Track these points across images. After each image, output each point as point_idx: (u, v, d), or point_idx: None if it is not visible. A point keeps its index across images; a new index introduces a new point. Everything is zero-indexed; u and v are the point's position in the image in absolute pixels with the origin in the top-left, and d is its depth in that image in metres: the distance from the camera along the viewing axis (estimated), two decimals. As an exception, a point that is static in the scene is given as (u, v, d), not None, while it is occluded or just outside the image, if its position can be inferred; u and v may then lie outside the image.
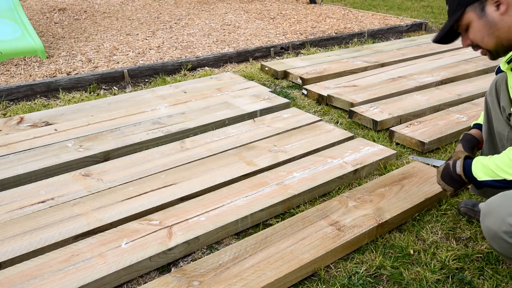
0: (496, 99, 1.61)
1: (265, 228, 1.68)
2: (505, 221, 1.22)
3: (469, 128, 1.76)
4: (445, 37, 1.45)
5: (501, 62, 1.52)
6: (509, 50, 1.36)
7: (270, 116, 2.64)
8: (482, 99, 1.72)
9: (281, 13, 5.95)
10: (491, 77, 2.08)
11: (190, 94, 2.99)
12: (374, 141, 2.42)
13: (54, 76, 3.40)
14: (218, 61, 3.85)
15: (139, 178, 1.96)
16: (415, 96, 2.91)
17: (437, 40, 1.47)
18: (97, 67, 3.62)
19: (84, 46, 4.21)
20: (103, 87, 3.30)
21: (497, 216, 1.24)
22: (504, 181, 1.34)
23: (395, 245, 1.64)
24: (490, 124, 1.62)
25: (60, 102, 3.02)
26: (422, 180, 1.94)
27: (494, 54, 1.39)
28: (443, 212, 1.82)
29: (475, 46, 1.41)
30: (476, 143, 1.68)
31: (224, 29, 4.99)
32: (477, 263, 1.55)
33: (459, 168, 1.46)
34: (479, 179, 1.40)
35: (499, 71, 1.57)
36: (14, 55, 3.74)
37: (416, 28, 5.26)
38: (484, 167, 1.39)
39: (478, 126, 1.73)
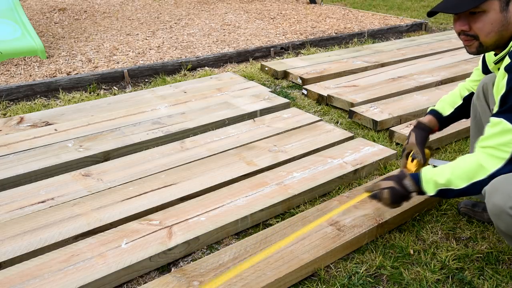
0: (485, 103, 1.62)
1: (265, 228, 1.68)
2: (511, 196, 1.23)
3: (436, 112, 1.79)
4: (467, 7, 1.29)
5: (487, 58, 1.54)
6: (495, 49, 1.36)
7: (270, 116, 2.64)
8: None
9: (281, 13, 5.95)
10: (491, 77, 2.08)
11: (190, 94, 2.99)
12: (374, 141, 2.42)
13: (54, 76, 3.40)
14: (218, 61, 3.85)
15: (139, 178, 1.96)
16: (415, 96, 2.91)
17: (453, 9, 1.32)
18: (97, 67, 3.62)
19: (84, 46, 4.20)
20: (103, 87, 3.30)
21: (503, 192, 1.25)
22: (448, 191, 1.39)
23: (395, 245, 1.64)
24: (479, 127, 1.64)
25: (60, 102, 3.02)
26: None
27: (483, 49, 1.36)
28: (443, 212, 1.82)
29: (467, 35, 1.34)
30: (429, 131, 1.74)
31: (224, 29, 4.99)
32: (477, 263, 1.55)
33: (412, 188, 1.48)
34: (428, 193, 1.45)
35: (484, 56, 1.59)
36: (14, 55, 3.74)
37: (416, 28, 5.26)
38: (430, 180, 1.44)
39: (433, 112, 1.78)
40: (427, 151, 1.70)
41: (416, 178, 1.48)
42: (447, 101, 1.79)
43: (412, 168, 1.66)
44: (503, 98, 1.27)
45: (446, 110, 1.77)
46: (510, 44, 1.31)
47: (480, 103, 1.64)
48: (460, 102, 1.76)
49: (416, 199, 1.79)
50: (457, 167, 1.39)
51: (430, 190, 1.44)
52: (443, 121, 1.77)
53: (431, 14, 1.42)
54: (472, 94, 1.73)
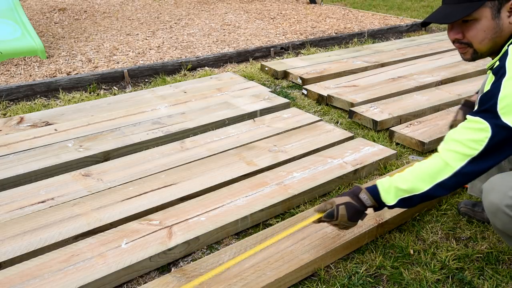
0: None
1: (265, 228, 1.68)
2: (507, 195, 1.24)
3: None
4: (458, 17, 1.30)
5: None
6: (490, 55, 1.35)
7: (270, 116, 2.64)
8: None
9: (281, 13, 5.95)
10: (491, 77, 2.08)
11: (190, 94, 2.99)
12: (374, 141, 2.42)
13: (54, 76, 3.40)
14: (218, 61, 3.85)
15: (139, 178, 1.96)
16: (415, 96, 2.91)
17: (444, 20, 1.33)
18: (97, 67, 3.62)
19: (84, 46, 4.21)
20: (103, 87, 3.30)
21: (499, 191, 1.26)
22: (411, 198, 1.33)
23: (395, 245, 1.64)
24: None
25: (60, 102, 3.02)
26: None
27: (478, 56, 1.35)
28: (443, 212, 1.82)
29: (461, 43, 1.34)
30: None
31: (224, 29, 4.99)
32: (477, 263, 1.55)
33: (369, 201, 1.41)
34: (388, 204, 1.39)
35: None
36: (14, 55, 3.74)
37: (416, 28, 5.26)
38: (389, 189, 1.38)
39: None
40: None
41: (372, 190, 1.41)
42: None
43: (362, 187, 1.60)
44: (482, 99, 1.26)
45: None
46: (503, 49, 1.30)
47: None
48: None
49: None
50: (417, 169, 1.34)
51: (390, 199, 1.37)
52: None
53: (424, 24, 1.42)
54: None
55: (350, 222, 1.44)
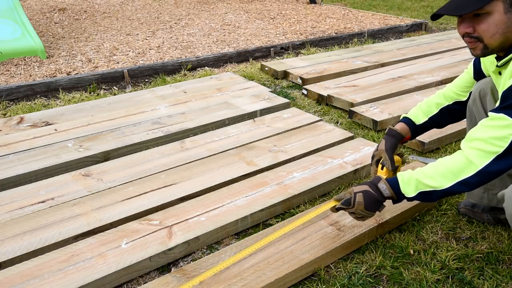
0: (482, 109, 1.60)
1: (265, 228, 1.68)
2: None
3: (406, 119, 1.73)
4: (471, 9, 1.27)
5: (483, 63, 1.50)
6: (500, 51, 1.33)
7: (270, 116, 2.64)
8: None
9: (281, 13, 5.95)
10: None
11: (190, 94, 2.99)
12: (374, 141, 2.42)
13: (54, 76, 3.40)
14: (218, 61, 3.85)
15: (139, 178, 1.96)
16: (415, 96, 2.91)
17: (455, 11, 1.30)
18: (97, 67, 3.62)
19: (84, 46, 4.21)
20: (103, 87, 3.30)
21: None
22: (432, 192, 1.32)
23: (395, 245, 1.64)
24: None
25: (60, 102, 3.02)
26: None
27: (488, 52, 1.32)
28: (443, 212, 1.82)
29: (471, 37, 1.31)
30: (400, 138, 1.67)
31: (224, 29, 4.99)
32: (477, 263, 1.55)
33: (388, 191, 1.40)
34: (408, 195, 1.38)
35: (476, 61, 1.57)
36: (14, 55, 3.74)
37: (416, 28, 5.27)
38: (410, 181, 1.37)
39: (406, 120, 1.72)
40: (397, 158, 1.63)
41: (392, 180, 1.40)
42: (422, 109, 1.73)
43: (383, 176, 1.55)
44: (505, 95, 1.24)
45: (420, 118, 1.71)
46: None
47: (476, 108, 1.61)
48: (435, 111, 1.71)
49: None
50: (440, 165, 1.32)
51: (410, 191, 1.36)
52: (416, 129, 1.71)
53: (435, 17, 1.37)
54: (452, 105, 1.69)
55: (367, 212, 1.43)
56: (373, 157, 1.68)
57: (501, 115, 1.23)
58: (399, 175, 1.40)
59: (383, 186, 1.41)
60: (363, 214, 1.44)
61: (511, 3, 1.24)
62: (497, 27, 1.26)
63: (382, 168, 1.61)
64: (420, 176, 1.35)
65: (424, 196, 1.35)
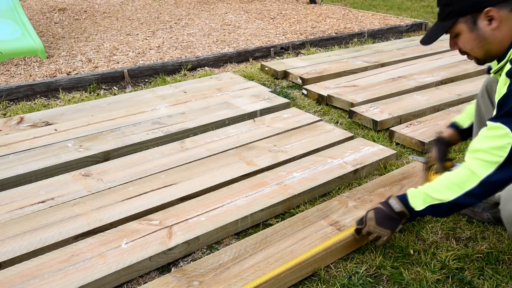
0: (489, 102, 1.62)
1: (265, 228, 1.68)
2: None
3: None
4: (434, 39, 1.44)
5: (492, 63, 1.54)
6: (495, 59, 1.38)
7: (270, 116, 2.64)
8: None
9: (281, 13, 5.95)
10: (491, 77, 2.08)
11: (190, 94, 2.99)
12: (374, 141, 2.42)
13: (54, 76, 3.40)
14: (218, 61, 3.85)
15: (139, 178, 1.96)
16: (415, 96, 2.91)
17: (425, 43, 1.46)
18: (97, 67, 3.62)
19: (84, 46, 4.21)
20: (103, 87, 3.30)
21: None
22: (440, 205, 1.35)
23: (395, 245, 1.64)
24: (482, 125, 1.64)
25: (60, 102, 3.02)
26: (422, 180, 1.93)
27: (481, 61, 1.41)
28: (443, 212, 1.82)
29: (463, 52, 1.42)
30: (449, 145, 1.76)
31: (224, 29, 4.99)
32: (477, 263, 1.55)
33: (397, 205, 1.44)
34: (416, 209, 1.41)
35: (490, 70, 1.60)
36: (14, 55, 3.74)
37: (416, 28, 5.27)
38: (418, 194, 1.41)
39: (454, 125, 1.79)
40: (450, 163, 1.73)
41: (402, 196, 1.46)
42: (467, 112, 1.79)
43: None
44: (501, 103, 1.27)
45: (465, 122, 1.77)
46: (510, 52, 1.31)
47: (484, 101, 1.64)
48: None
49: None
50: (445, 178, 1.36)
51: (418, 204, 1.40)
52: (463, 132, 1.77)
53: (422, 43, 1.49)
54: None
55: (380, 228, 1.46)
56: (425, 163, 1.81)
57: (498, 124, 1.25)
58: (409, 190, 1.45)
59: (393, 201, 1.46)
60: (377, 231, 1.47)
61: (474, 21, 1.33)
62: (470, 43, 1.36)
63: (435, 173, 1.73)
64: (427, 190, 1.39)
65: (433, 210, 1.38)
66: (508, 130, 1.22)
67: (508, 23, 1.29)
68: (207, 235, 1.62)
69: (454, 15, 1.36)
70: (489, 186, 1.27)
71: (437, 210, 1.37)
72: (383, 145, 2.31)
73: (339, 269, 1.53)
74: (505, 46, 1.32)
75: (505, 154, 1.23)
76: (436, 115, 2.65)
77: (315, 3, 6.71)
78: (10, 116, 2.74)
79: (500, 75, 1.37)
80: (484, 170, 1.27)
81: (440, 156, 1.71)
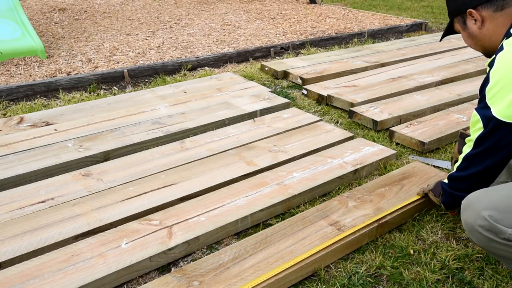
0: None
1: (265, 228, 1.68)
2: (480, 215, 1.26)
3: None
4: (443, 36, 1.66)
5: None
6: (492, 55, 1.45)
7: (270, 116, 2.64)
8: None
9: (281, 13, 5.95)
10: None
11: (190, 94, 2.99)
12: (374, 141, 2.42)
13: (54, 76, 3.40)
14: (218, 61, 3.85)
15: (139, 178, 1.96)
16: (415, 96, 2.91)
17: (441, 39, 1.73)
18: (97, 67, 3.62)
19: (84, 46, 4.21)
20: (103, 87, 3.30)
21: (473, 210, 1.29)
22: (448, 178, 1.51)
23: (395, 245, 1.64)
24: None
25: (60, 102, 3.02)
26: (422, 180, 1.94)
27: (485, 55, 1.51)
28: (443, 212, 1.82)
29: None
30: None
31: (224, 29, 4.99)
32: (477, 263, 1.55)
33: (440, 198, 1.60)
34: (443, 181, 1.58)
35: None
36: (14, 55, 3.74)
37: (416, 28, 5.26)
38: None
39: None
40: None
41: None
42: None
43: None
44: (479, 91, 1.37)
45: None
46: (498, 48, 1.40)
47: None
48: None
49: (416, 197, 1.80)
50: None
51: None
52: None
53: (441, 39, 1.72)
54: None
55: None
56: (452, 159, 1.90)
57: (474, 112, 1.36)
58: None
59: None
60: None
61: (464, 21, 1.48)
62: (467, 41, 1.52)
63: None
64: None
65: (451, 183, 1.52)
66: (478, 116, 1.32)
67: (492, 22, 1.40)
68: (207, 235, 1.62)
69: (450, 15, 1.54)
70: (468, 162, 1.40)
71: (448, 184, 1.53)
72: (383, 145, 2.31)
73: (339, 269, 1.53)
74: (497, 42, 1.40)
75: (477, 135, 1.34)
76: (436, 115, 2.65)
77: (315, 3, 6.71)
78: (10, 116, 2.74)
79: None
80: (467, 149, 1.41)
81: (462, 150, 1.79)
